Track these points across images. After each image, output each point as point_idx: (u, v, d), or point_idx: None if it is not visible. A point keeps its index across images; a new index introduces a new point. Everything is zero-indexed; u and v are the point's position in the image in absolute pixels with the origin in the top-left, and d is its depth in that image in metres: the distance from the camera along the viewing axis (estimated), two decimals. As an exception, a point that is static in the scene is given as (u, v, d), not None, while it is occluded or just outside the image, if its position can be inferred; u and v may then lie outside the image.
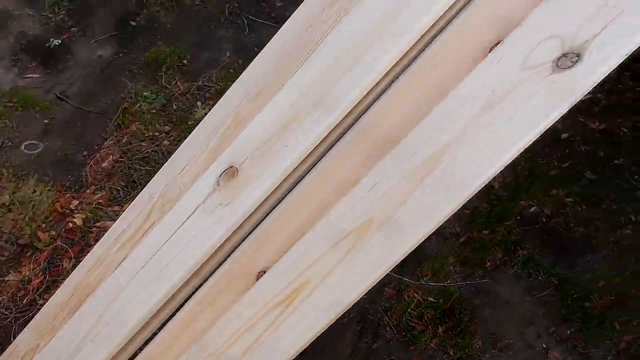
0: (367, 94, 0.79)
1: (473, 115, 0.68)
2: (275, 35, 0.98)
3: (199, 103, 2.33)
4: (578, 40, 0.63)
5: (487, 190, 2.20)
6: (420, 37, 0.76)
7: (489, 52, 0.69)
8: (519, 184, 2.28)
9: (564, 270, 2.05)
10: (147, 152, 2.01)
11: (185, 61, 2.57)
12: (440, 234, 2.02)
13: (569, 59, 0.63)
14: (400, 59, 0.77)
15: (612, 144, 2.63)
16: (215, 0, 3.06)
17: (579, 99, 0.63)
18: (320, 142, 0.83)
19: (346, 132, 0.79)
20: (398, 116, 0.74)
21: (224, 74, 2.49)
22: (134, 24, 2.79)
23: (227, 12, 3.01)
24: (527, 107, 0.63)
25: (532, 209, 2.19)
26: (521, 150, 0.64)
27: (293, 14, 0.98)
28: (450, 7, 0.74)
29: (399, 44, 0.74)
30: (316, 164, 0.83)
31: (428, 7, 0.73)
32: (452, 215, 0.74)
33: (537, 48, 0.65)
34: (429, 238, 0.73)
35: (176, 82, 2.42)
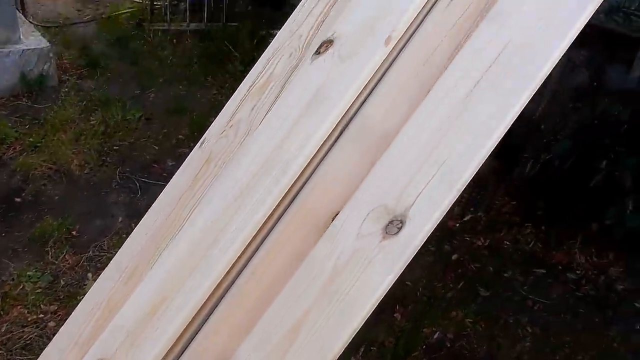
0: (228, 272, 0.82)
1: (322, 285, 0.72)
2: (147, 212, 1.01)
3: (89, 274, 2.26)
4: (400, 207, 0.71)
5: (390, 323, 2.24)
6: (271, 214, 0.82)
7: (330, 225, 0.76)
8: (420, 312, 2.35)
9: (475, 394, 2.07)
10: (30, 338, 1.87)
11: (74, 232, 2.52)
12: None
13: (395, 225, 0.71)
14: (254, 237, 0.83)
15: (498, 258, 2.83)
16: (105, 167, 3.10)
17: (409, 260, 0.70)
18: (190, 322, 0.83)
19: (211, 313, 0.81)
20: (257, 293, 0.78)
21: (116, 241, 2.46)
22: (18, 200, 2.74)
23: (118, 177, 3.04)
24: (365, 275, 0.69)
25: (436, 336, 2.24)
26: (360, 326, 0.68)
27: (163, 191, 1.03)
28: (292, 186, 0.82)
29: (250, 224, 0.80)
30: (189, 344, 0.83)
31: (272, 189, 0.80)
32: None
33: (367, 218, 0.72)
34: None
35: (64, 255, 2.34)
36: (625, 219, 2.60)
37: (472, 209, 3.07)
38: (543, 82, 0.75)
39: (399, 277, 0.71)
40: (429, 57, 0.80)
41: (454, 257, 2.77)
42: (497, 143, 0.75)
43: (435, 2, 0.84)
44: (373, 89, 0.75)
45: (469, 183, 0.75)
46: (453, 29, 0.77)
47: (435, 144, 0.74)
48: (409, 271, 2.70)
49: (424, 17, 0.83)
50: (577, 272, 2.73)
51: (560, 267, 2.73)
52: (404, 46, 0.78)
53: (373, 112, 0.74)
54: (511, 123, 0.76)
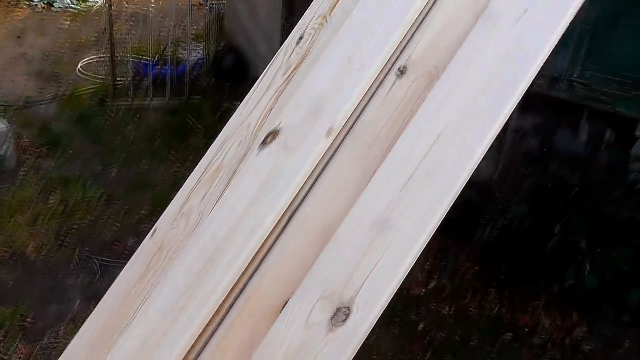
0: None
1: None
2: (99, 303, 0.99)
3: (42, 365, 2.15)
4: (345, 296, 0.72)
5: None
6: (222, 302, 0.82)
7: (279, 314, 0.76)
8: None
9: None
10: None
11: (28, 320, 2.42)
12: None
13: (342, 313, 0.72)
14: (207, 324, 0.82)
15: (464, 325, 2.82)
16: (64, 248, 3.02)
17: (359, 346, 0.71)
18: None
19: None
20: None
21: (73, 327, 2.36)
22: (-33, 287, 2.63)
23: (76, 258, 2.96)
24: (313, 366, 0.69)
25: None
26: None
27: (115, 280, 1.01)
28: (243, 274, 0.82)
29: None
30: None
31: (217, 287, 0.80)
32: None
33: (314, 307, 0.73)
34: None
35: (17, 346, 2.24)
36: (584, 280, 2.66)
37: (436, 276, 3.08)
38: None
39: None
40: (371, 146, 0.84)
41: (420, 326, 2.75)
42: (440, 222, 0.78)
43: (374, 92, 0.89)
44: (316, 179, 0.78)
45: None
46: (390, 119, 0.82)
47: (379, 229, 0.77)
48: (376, 344, 2.66)
49: (365, 106, 0.88)
50: (542, 335, 2.74)
51: (526, 330, 2.74)
52: (345, 136, 0.82)
53: (315, 203, 0.77)
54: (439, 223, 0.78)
